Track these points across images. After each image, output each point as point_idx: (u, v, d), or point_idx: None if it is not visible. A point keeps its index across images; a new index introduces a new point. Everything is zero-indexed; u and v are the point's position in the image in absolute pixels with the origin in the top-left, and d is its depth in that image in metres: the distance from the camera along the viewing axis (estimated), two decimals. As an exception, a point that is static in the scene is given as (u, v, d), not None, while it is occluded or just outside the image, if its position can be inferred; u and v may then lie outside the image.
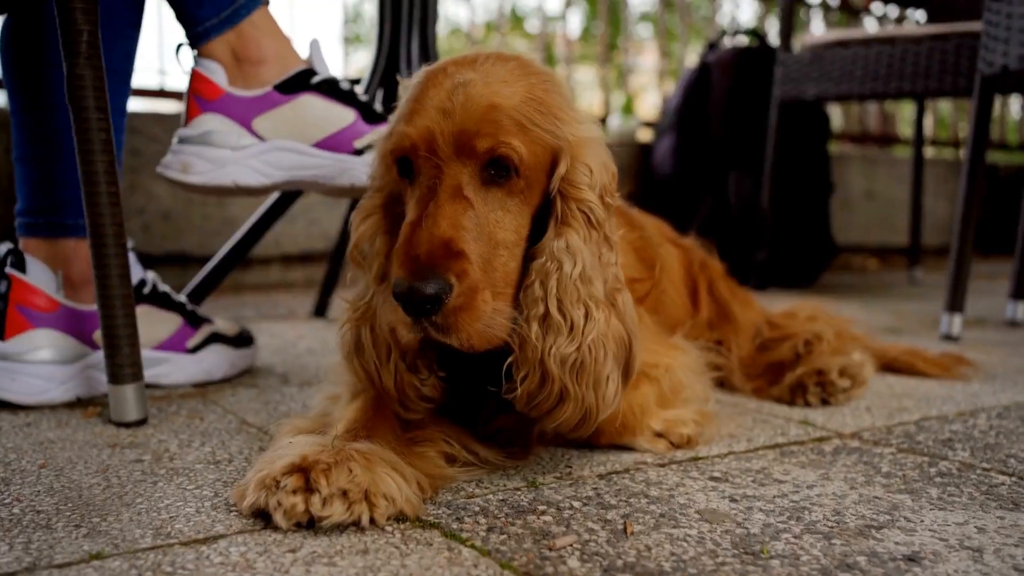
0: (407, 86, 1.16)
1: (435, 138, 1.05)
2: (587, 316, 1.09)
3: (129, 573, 0.86)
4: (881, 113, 6.08)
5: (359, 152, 1.60)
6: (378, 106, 1.67)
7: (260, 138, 1.59)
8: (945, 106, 6.56)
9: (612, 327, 1.12)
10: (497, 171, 1.06)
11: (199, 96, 1.58)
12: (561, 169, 1.10)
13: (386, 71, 2.12)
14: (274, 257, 3.53)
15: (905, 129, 6.20)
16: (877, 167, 5.39)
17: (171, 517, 1.02)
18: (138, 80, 3.60)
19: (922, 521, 1.05)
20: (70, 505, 1.05)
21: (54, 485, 1.13)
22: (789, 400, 1.68)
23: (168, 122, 3.29)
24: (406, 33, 2.08)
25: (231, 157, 1.57)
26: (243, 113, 1.58)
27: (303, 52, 1.66)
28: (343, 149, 1.60)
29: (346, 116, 1.61)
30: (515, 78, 1.09)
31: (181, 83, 3.78)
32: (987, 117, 2.40)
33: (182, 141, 1.59)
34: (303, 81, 1.61)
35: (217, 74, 1.58)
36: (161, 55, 3.63)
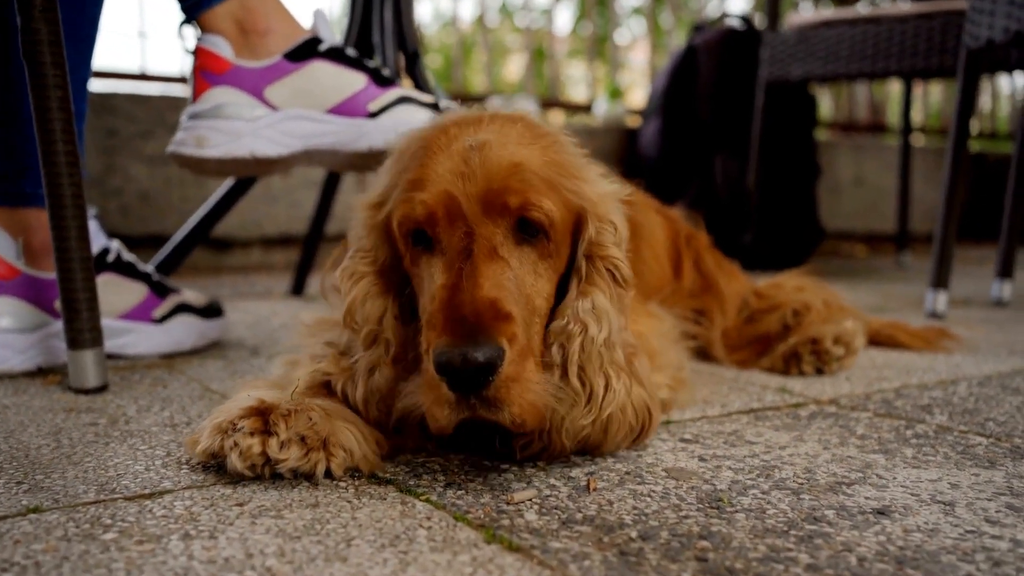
0: (392, 152, 1.09)
1: (457, 201, 0.96)
2: (607, 386, 1.01)
3: (66, 526, 0.83)
4: (870, 102, 6.06)
5: (373, 115, 1.57)
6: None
7: (273, 107, 1.55)
8: (936, 97, 6.55)
9: (634, 395, 1.04)
10: (528, 232, 0.98)
11: (206, 71, 1.55)
12: (590, 232, 1.03)
13: (359, 41, 2.08)
14: (255, 239, 3.48)
15: (895, 117, 6.18)
16: (866, 154, 5.37)
17: (118, 475, 0.98)
18: (119, 64, 3.57)
19: (895, 478, 1.02)
20: (15, 464, 1.02)
21: (1, 446, 1.09)
22: (783, 370, 1.64)
23: (148, 103, 3.24)
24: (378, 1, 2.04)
25: (246, 128, 1.53)
26: (254, 83, 1.55)
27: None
28: (357, 113, 1.57)
29: (357, 81, 1.58)
30: (528, 140, 1.02)
31: (162, 65, 3.75)
32: (973, 92, 2.37)
33: (193, 117, 1.56)
34: (311, 48, 1.58)
35: (223, 48, 1.55)
36: (142, 26, 3.59)
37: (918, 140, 6.12)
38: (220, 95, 1.54)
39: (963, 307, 2.64)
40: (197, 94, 1.56)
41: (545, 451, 1.03)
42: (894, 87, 6.47)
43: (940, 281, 2.37)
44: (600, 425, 1.02)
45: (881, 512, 0.90)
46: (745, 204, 3.56)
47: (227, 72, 1.55)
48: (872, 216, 5.33)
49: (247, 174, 1.73)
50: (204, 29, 1.57)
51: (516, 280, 0.96)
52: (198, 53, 1.57)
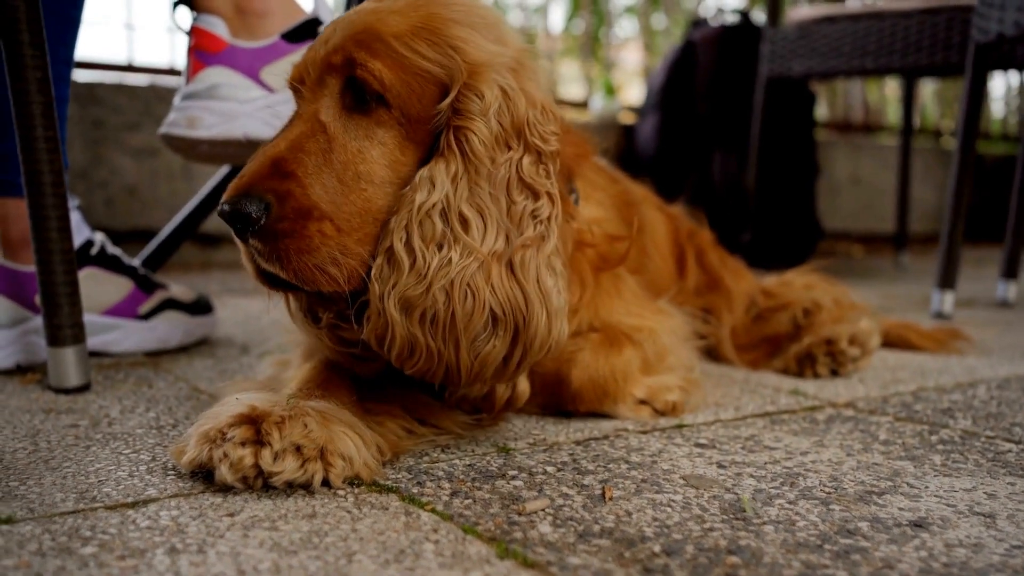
0: None
1: (307, 67, 1.00)
2: (446, 258, 0.95)
3: (41, 538, 0.76)
4: (865, 105, 6.01)
5: None
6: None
7: (269, 89, 1.50)
8: (929, 101, 6.52)
9: (497, 285, 0.95)
10: (359, 97, 0.98)
11: (202, 51, 1.50)
12: (447, 99, 0.98)
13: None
14: (245, 236, 3.41)
15: (892, 117, 6.15)
16: (862, 153, 5.32)
17: (99, 481, 0.92)
18: (105, 55, 3.49)
19: (927, 487, 0.96)
20: (-12, 469, 0.95)
21: (-26, 449, 1.02)
22: (797, 371, 1.58)
23: (134, 93, 3.16)
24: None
25: (240, 110, 1.48)
26: (249, 64, 1.49)
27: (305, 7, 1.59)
28: None
29: None
30: (415, 9, 1.00)
31: (149, 57, 3.67)
32: (981, 88, 2.31)
33: (187, 97, 1.50)
34: (311, 30, 1.53)
35: (219, 27, 1.49)
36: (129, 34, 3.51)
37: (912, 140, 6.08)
38: (215, 75, 1.48)
39: (967, 308, 2.59)
40: (191, 74, 1.50)
41: (387, 331, 0.96)
42: (888, 92, 6.43)
43: (947, 281, 2.32)
44: (437, 297, 0.94)
45: (918, 525, 0.84)
46: (743, 202, 3.50)
47: (222, 52, 1.49)
48: (869, 216, 5.29)
49: (240, 161, 1.66)
50: (200, 9, 1.52)
51: (330, 144, 0.97)
52: (194, 33, 1.52)
